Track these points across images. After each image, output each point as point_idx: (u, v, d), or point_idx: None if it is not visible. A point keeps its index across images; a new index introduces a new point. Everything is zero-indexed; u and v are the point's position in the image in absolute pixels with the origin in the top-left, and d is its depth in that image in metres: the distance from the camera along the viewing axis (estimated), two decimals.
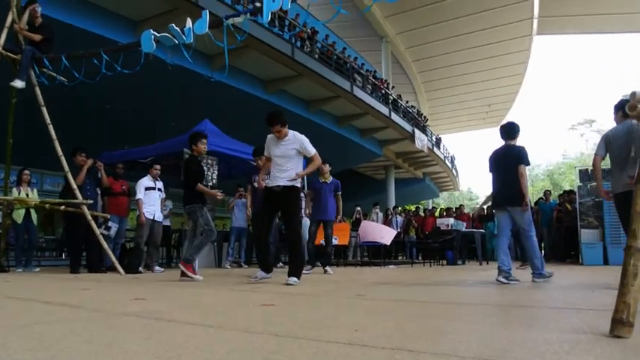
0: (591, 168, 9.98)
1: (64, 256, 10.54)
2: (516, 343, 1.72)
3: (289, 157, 4.81)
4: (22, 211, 7.78)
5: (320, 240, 7.68)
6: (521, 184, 5.02)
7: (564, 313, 2.59)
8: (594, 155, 4.75)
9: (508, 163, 5.17)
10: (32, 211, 7.85)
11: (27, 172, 8.02)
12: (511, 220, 5.17)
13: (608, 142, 4.58)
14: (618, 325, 1.84)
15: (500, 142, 5.37)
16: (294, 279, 4.56)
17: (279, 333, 1.91)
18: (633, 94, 2.09)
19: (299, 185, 4.96)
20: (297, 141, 4.84)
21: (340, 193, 7.27)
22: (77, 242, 7.31)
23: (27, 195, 7.73)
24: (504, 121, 5.85)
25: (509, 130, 5.37)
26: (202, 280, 5.13)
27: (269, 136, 4.95)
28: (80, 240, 7.21)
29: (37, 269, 7.91)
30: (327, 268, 7.09)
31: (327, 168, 7.13)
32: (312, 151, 4.88)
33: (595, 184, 10.01)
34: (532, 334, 1.93)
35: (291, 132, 4.89)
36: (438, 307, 2.95)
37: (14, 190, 7.81)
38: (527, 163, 5.16)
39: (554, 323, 2.22)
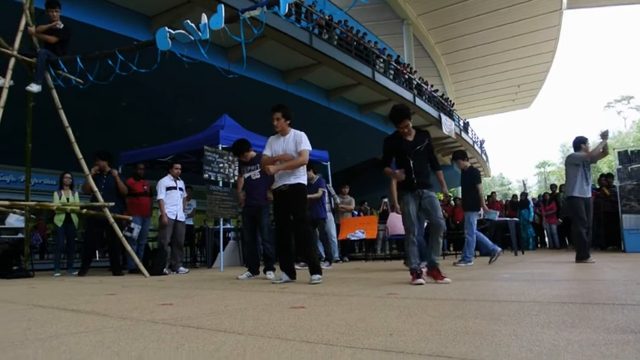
0: (632, 149, 9.55)
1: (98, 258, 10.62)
2: (560, 346, 1.63)
3: (291, 155, 4.73)
4: (63, 216, 7.83)
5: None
6: None
7: (609, 310, 2.42)
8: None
9: None
10: (73, 215, 7.87)
11: (68, 175, 8.09)
12: None
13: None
14: None
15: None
16: (317, 276, 4.55)
17: (311, 339, 1.86)
18: None
19: (305, 182, 4.83)
20: (296, 137, 4.79)
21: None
22: (91, 245, 7.39)
23: (67, 199, 7.82)
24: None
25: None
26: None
27: (271, 137, 4.94)
28: (93, 243, 7.22)
29: (76, 272, 7.95)
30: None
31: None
32: (304, 146, 4.73)
33: (637, 165, 9.52)
34: (576, 334, 1.82)
35: (293, 130, 4.85)
36: (473, 306, 2.78)
37: (55, 194, 7.95)
38: None
39: (598, 321, 2.08)
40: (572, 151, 7.26)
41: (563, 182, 16.87)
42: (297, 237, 4.88)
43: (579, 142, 6.94)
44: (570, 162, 6.84)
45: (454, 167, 28.95)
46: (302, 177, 4.78)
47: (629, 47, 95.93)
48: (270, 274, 5.50)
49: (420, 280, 4.18)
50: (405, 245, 4.57)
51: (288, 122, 4.79)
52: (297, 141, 4.74)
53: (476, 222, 7.13)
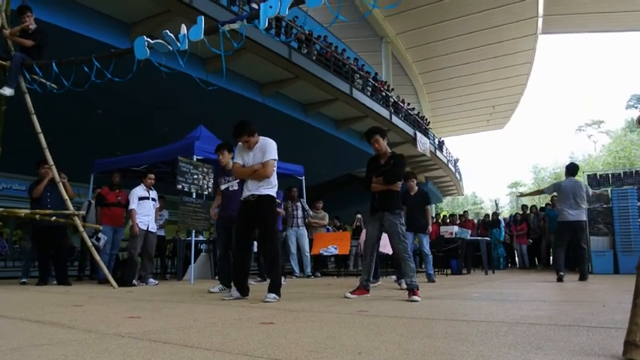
0: (601, 173, 9.87)
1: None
2: None
3: (260, 165, 4.53)
4: None
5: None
6: None
7: (574, 332, 2.48)
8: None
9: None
10: None
11: None
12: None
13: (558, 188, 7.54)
14: (631, 347, 1.76)
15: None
16: (273, 295, 4.31)
17: (279, 357, 1.88)
18: None
19: (274, 194, 4.64)
20: (263, 146, 4.57)
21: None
22: (45, 252, 7.23)
23: None
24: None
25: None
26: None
27: (239, 144, 4.69)
28: (46, 250, 7.17)
29: (55, 282, 7.69)
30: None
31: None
32: (268, 156, 4.49)
33: (605, 189, 9.85)
34: (541, 356, 1.87)
35: (261, 138, 4.63)
36: (442, 325, 2.83)
37: None
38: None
39: (564, 343, 2.13)
40: (561, 174, 7.82)
41: (534, 204, 17.17)
42: (264, 252, 4.73)
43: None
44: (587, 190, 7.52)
45: (429, 185, 29.00)
46: (272, 188, 4.57)
47: (600, 73, 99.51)
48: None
49: (367, 295, 4.70)
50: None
51: (256, 134, 4.60)
52: (263, 150, 4.54)
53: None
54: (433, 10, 23.68)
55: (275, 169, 4.60)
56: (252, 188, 4.52)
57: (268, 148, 4.52)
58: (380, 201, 4.68)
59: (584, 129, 57.11)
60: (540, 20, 25.99)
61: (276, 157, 4.56)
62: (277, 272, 4.53)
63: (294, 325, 2.85)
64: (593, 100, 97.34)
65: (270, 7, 4.96)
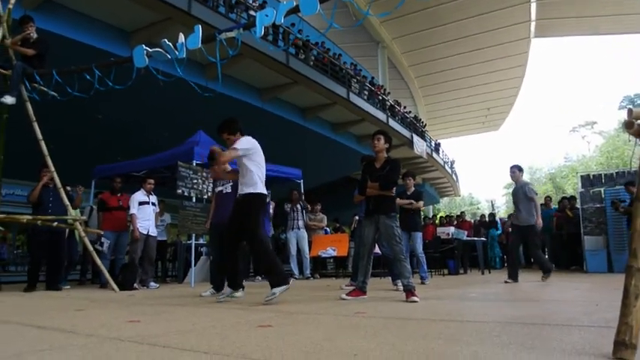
0: (594, 173, 10.05)
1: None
2: None
3: (241, 164, 4.54)
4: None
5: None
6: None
7: (566, 331, 2.51)
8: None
9: None
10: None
11: (68, 187, 7.78)
12: None
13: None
14: (621, 347, 1.80)
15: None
16: (278, 289, 4.26)
17: (276, 359, 1.89)
18: (630, 111, 2.06)
19: (259, 191, 4.52)
20: (238, 141, 4.55)
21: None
22: (36, 258, 7.19)
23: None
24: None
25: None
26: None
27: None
28: (39, 255, 7.13)
29: (68, 286, 7.71)
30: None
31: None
32: (237, 146, 4.45)
33: (598, 189, 9.97)
34: (533, 356, 1.88)
35: (243, 138, 4.61)
36: (437, 326, 2.86)
37: None
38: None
39: (556, 343, 2.15)
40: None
41: None
42: (252, 250, 4.66)
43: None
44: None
45: (426, 187, 29.02)
46: (253, 186, 4.48)
47: (593, 75, 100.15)
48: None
49: (364, 297, 4.71)
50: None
51: (237, 133, 4.64)
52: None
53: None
54: (428, 15, 23.88)
55: (250, 163, 4.49)
56: (239, 189, 4.59)
57: (242, 141, 4.51)
58: (375, 204, 4.75)
59: (578, 130, 57.07)
60: (533, 24, 26.24)
61: (242, 149, 4.46)
62: (270, 264, 4.45)
63: (292, 327, 2.86)
64: (587, 101, 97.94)
65: (267, 15, 5.05)
